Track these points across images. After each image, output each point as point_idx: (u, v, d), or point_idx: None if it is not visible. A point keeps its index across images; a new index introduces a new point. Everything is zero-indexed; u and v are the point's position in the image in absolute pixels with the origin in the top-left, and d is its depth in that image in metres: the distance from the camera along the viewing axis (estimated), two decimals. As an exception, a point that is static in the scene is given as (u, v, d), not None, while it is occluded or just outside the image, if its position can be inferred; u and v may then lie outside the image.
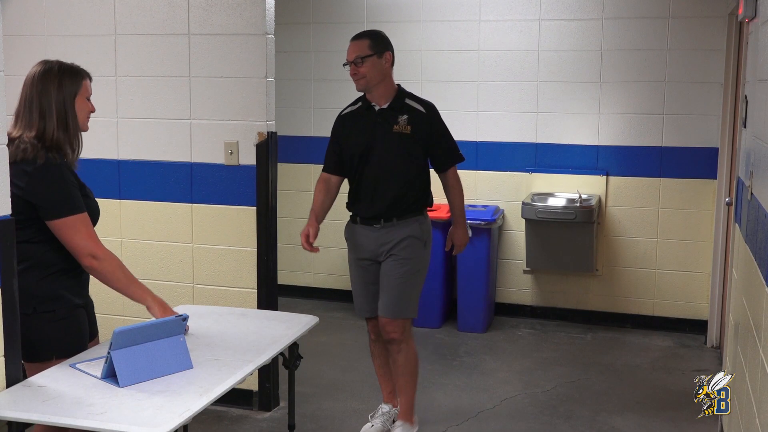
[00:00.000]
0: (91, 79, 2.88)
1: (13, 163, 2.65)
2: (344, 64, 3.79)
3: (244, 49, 4.08)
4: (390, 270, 3.77)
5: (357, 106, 3.88)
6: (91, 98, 2.90)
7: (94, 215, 2.90)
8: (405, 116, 3.76)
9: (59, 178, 2.71)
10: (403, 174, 3.77)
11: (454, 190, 3.91)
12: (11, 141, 2.68)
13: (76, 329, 2.84)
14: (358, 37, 3.79)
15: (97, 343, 2.97)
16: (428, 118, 3.79)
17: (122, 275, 2.80)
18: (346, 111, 3.91)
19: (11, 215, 2.44)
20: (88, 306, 2.96)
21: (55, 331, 2.77)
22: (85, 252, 2.72)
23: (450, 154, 3.88)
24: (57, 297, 2.77)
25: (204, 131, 4.20)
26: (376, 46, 3.74)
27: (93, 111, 2.89)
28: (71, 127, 2.79)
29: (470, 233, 4.05)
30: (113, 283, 2.79)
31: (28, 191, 2.68)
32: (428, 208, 3.93)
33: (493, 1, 5.82)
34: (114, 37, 4.28)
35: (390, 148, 3.76)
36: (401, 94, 3.83)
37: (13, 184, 2.63)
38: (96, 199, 2.95)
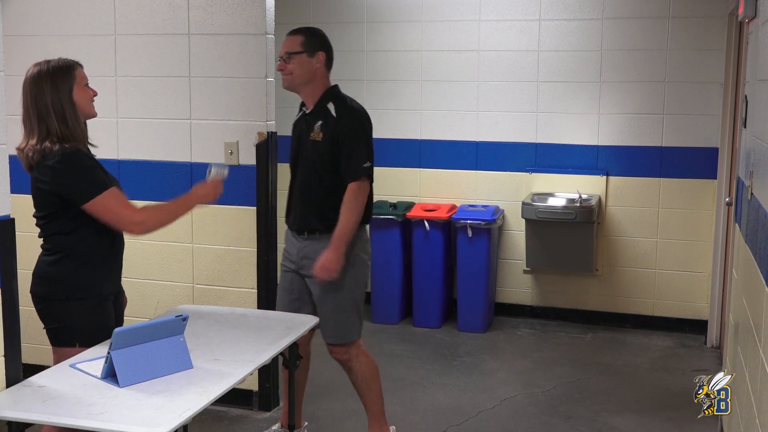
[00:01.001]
0: (82, 66, 2.97)
1: (31, 168, 2.86)
2: (277, 58, 3.59)
3: (244, 49, 4.08)
4: (321, 296, 3.56)
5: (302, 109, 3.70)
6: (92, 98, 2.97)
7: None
8: (320, 122, 3.52)
9: (79, 164, 2.84)
10: (321, 186, 3.52)
11: (344, 207, 3.45)
12: (21, 151, 2.87)
13: (102, 319, 2.95)
14: (293, 33, 3.58)
15: None
16: (336, 123, 3.48)
17: (165, 213, 2.97)
18: (298, 114, 3.74)
19: (10, 215, 2.45)
20: (117, 298, 3.08)
21: (82, 319, 2.89)
22: (128, 222, 2.86)
23: (349, 167, 3.46)
24: (88, 286, 2.90)
25: (204, 131, 4.20)
26: (308, 44, 3.51)
27: (96, 94, 3.00)
28: (70, 121, 2.87)
29: (338, 261, 3.44)
30: (169, 222, 2.98)
31: (55, 183, 2.81)
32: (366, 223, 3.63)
33: (493, 1, 5.82)
34: (114, 37, 4.28)
35: (307, 157, 3.55)
36: (326, 96, 3.55)
37: (39, 181, 2.83)
38: None
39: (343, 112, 3.52)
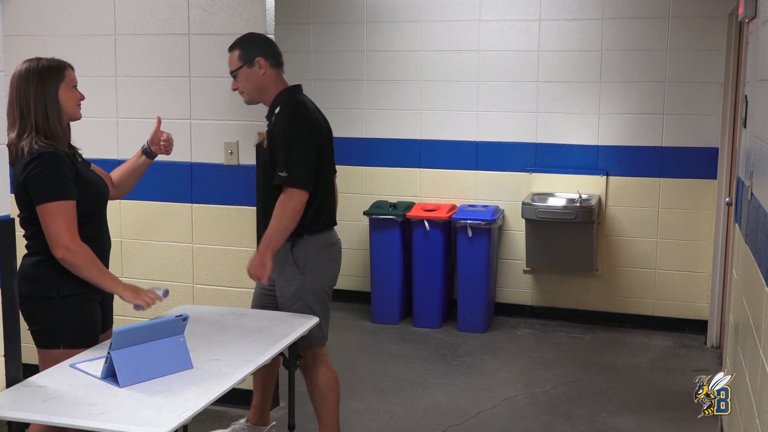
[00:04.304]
0: (73, 69, 2.95)
1: (13, 163, 2.77)
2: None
3: (244, 49, 4.08)
4: (279, 300, 3.51)
5: None
6: (92, 98, 2.95)
7: (98, 198, 2.97)
8: (267, 128, 3.47)
9: (51, 165, 2.77)
10: (270, 192, 3.40)
11: (274, 212, 3.33)
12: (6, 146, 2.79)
13: (87, 320, 2.92)
14: (230, 49, 3.47)
15: (110, 336, 3.00)
16: (274, 126, 3.39)
17: (95, 267, 2.83)
18: None
19: (10, 215, 2.45)
20: (106, 298, 3.03)
21: (66, 319, 2.85)
22: (60, 243, 2.75)
23: (280, 169, 3.30)
24: (72, 287, 2.84)
25: (204, 131, 4.20)
26: (245, 55, 3.40)
27: (83, 98, 2.95)
28: (51, 118, 2.83)
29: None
30: (85, 274, 2.81)
31: (25, 179, 2.77)
32: (324, 230, 3.49)
33: (493, 1, 5.82)
34: (114, 37, 4.28)
35: (261, 164, 3.50)
36: (276, 101, 3.44)
37: (17, 177, 2.77)
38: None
39: (280, 117, 3.38)
